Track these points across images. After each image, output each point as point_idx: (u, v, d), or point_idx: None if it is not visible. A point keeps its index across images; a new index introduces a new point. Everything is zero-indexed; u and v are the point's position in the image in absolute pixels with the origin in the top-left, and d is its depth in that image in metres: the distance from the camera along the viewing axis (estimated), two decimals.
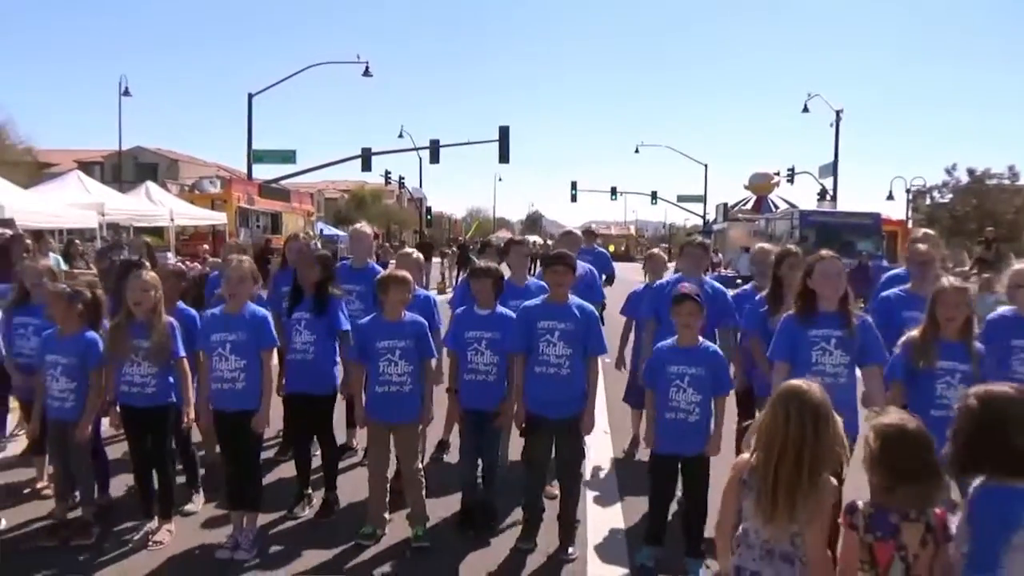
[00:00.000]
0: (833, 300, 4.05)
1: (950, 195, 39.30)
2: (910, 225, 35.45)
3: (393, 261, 6.26)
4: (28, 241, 6.38)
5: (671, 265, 8.10)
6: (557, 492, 4.76)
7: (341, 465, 5.83)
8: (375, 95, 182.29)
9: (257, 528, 4.51)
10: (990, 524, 2.26)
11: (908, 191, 36.72)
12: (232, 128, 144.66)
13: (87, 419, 4.45)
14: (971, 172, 38.00)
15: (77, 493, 4.67)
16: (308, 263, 5.09)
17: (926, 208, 39.24)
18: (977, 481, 2.30)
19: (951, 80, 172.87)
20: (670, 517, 4.44)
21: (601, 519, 5.02)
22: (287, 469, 5.55)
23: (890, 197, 36.89)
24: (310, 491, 5.10)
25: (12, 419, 6.17)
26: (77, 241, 12.17)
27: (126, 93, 35.58)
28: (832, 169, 34.82)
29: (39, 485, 5.25)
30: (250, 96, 32.20)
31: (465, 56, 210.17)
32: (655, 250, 7.35)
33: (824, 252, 4.27)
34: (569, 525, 4.53)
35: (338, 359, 5.14)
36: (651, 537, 4.39)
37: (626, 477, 5.83)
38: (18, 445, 6.01)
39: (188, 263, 8.69)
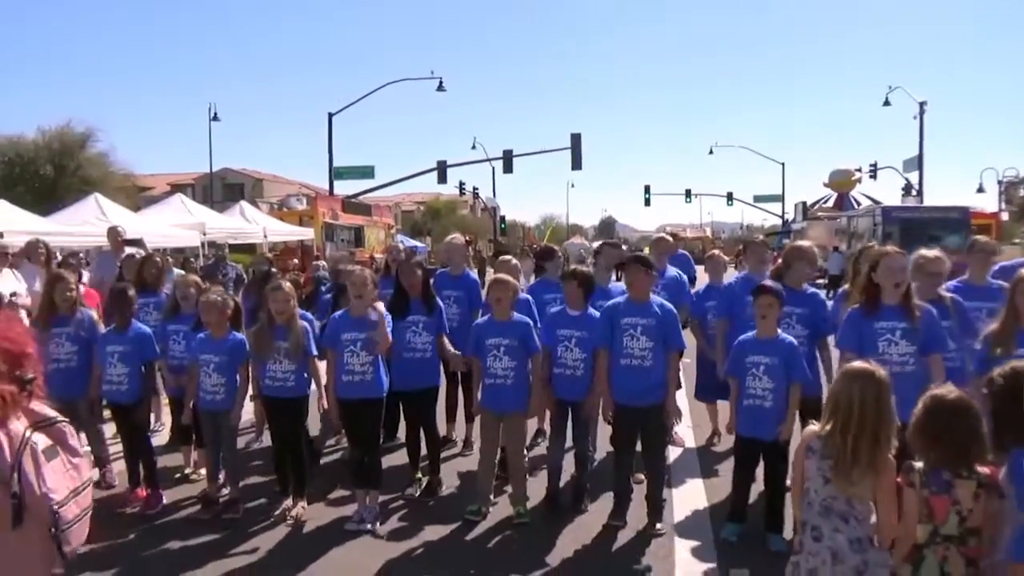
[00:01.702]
0: (896, 294, 4.34)
1: None
2: (1004, 218, 34.04)
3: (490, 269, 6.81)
4: (157, 259, 7.19)
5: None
6: (643, 477, 5.18)
7: (443, 455, 6.43)
8: (449, 108, 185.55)
9: (378, 504, 5.12)
10: None
11: (1000, 183, 35.30)
12: (312, 146, 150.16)
13: (238, 408, 5.18)
14: None
15: (221, 476, 5.39)
16: (410, 269, 5.70)
17: (1020, 200, 37.59)
18: None
19: None
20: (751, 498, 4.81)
21: (686, 501, 5.42)
22: (394, 458, 6.15)
23: (980, 190, 35.64)
24: (420, 475, 5.68)
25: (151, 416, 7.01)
26: (192, 259, 13.27)
27: (215, 118, 37.85)
28: (917, 163, 33.84)
29: (187, 471, 6.03)
30: (330, 115, 33.67)
31: (535, 64, 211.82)
32: (715, 251, 7.67)
33: (889, 248, 4.57)
34: (656, 504, 4.96)
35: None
36: (734, 514, 4.78)
37: (708, 464, 6.21)
38: (160, 437, 6.83)
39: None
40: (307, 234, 26.41)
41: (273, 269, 7.45)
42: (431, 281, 5.96)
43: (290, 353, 5.03)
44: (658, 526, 4.86)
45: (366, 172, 35.69)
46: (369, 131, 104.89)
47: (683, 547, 4.66)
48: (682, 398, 6.94)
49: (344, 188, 35.30)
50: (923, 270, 4.70)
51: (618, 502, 5.04)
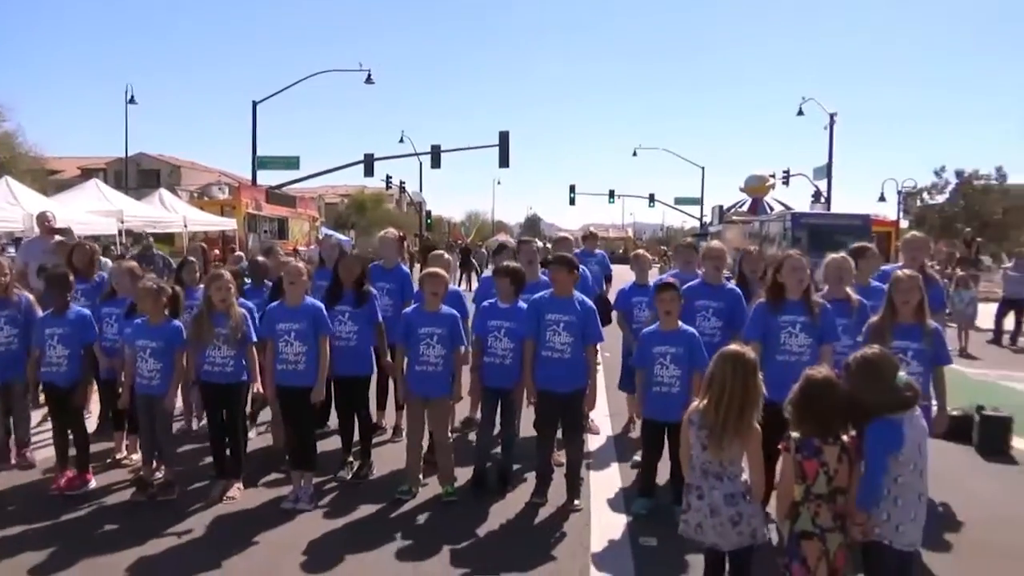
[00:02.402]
0: (798, 291, 4.89)
1: (940, 196, 40.21)
2: (904, 225, 36.35)
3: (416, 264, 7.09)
4: (88, 245, 7.18)
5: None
6: (563, 460, 5.58)
7: (373, 441, 6.68)
8: (376, 101, 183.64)
9: (313, 485, 5.34)
10: (880, 447, 3.13)
11: (899, 192, 37.55)
12: (233, 134, 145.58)
13: (172, 393, 5.31)
14: (959, 174, 38.98)
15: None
16: (352, 262, 5.94)
17: (916, 209, 40.11)
18: None
19: (942, 83, 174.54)
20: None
21: (602, 481, 5.86)
22: (326, 443, 6.36)
23: (882, 198, 37.74)
24: (352, 458, 5.93)
25: None
26: (112, 246, 12.98)
27: (132, 101, 36.40)
28: (826, 171, 35.69)
29: (118, 455, 6.09)
30: (254, 104, 32.99)
31: (464, 61, 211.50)
32: (640, 251, 8.18)
33: (791, 251, 5.14)
34: (575, 482, 5.37)
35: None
36: (644, 490, 5.24)
37: (623, 449, 6.68)
38: (88, 424, 6.81)
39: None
40: (229, 225, 25.84)
41: (191, 258, 7.49)
42: (365, 274, 6.21)
43: (229, 339, 5.20)
44: (576, 502, 5.27)
45: (291, 163, 35.06)
46: (294, 121, 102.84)
47: (598, 520, 5.08)
48: (600, 389, 7.39)
49: (267, 178, 34.66)
50: (829, 269, 5.29)
51: (540, 481, 5.42)
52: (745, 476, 3.41)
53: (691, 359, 4.98)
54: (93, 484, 5.51)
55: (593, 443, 6.78)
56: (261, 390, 5.34)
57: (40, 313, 5.69)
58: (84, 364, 5.54)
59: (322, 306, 5.44)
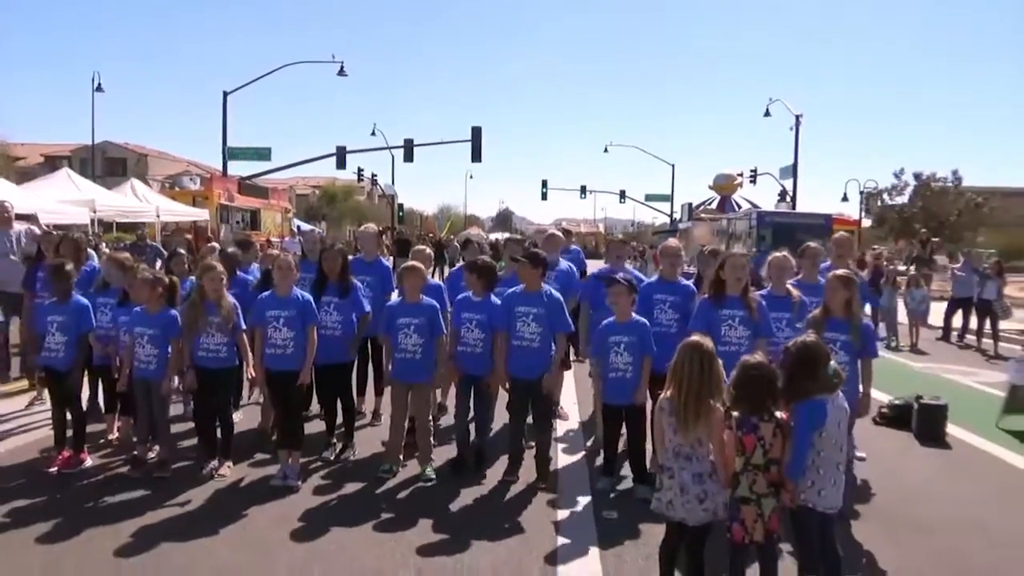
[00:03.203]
0: (737, 287, 5.36)
1: (900, 197, 41.45)
2: (866, 224, 37.42)
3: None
4: (75, 237, 7.44)
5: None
6: (533, 445, 6.00)
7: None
8: (349, 93, 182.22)
9: (300, 464, 5.70)
10: (807, 423, 3.60)
11: (861, 193, 38.61)
12: (203, 124, 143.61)
13: (169, 377, 5.64)
14: (917, 176, 40.23)
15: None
16: (334, 255, 6.29)
17: (877, 209, 41.26)
18: None
19: (904, 88, 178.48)
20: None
21: (569, 462, 6.31)
22: (311, 427, 6.71)
23: (845, 199, 38.81)
24: (335, 440, 6.30)
25: None
26: (90, 236, 13.12)
27: (99, 89, 35.97)
28: (792, 171, 36.58)
29: (111, 436, 6.39)
30: (225, 94, 32.81)
31: (438, 56, 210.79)
32: None
33: (734, 250, 5.61)
34: (544, 461, 5.80)
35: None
36: (607, 469, 5.69)
37: (589, 433, 7.12)
38: None
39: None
40: (201, 215, 25.81)
41: (180, 250, 7.79)
42: (346, 266, 6.56)
43: (221, 327, 5.55)
44: (545, 481, 5.69)
45: (263, 154, 34.91)
46: (266, 111, 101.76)
47: (565, 496, 5.51)
48: (568, 378, 7.84)
49: (237, 169, 34.48)
50: (771, 267, 5.77)
51: (512, 461, 5.84)
52: (712, 457, 3.79)
53: (642, 347, 5.41)
54: (89, 463, 5.81)
55: (562, 428, 7.22)
56: (253, 374, 5.69)
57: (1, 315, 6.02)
58: (80, 351, 5.82)
59: (311, 298, 5.79)
